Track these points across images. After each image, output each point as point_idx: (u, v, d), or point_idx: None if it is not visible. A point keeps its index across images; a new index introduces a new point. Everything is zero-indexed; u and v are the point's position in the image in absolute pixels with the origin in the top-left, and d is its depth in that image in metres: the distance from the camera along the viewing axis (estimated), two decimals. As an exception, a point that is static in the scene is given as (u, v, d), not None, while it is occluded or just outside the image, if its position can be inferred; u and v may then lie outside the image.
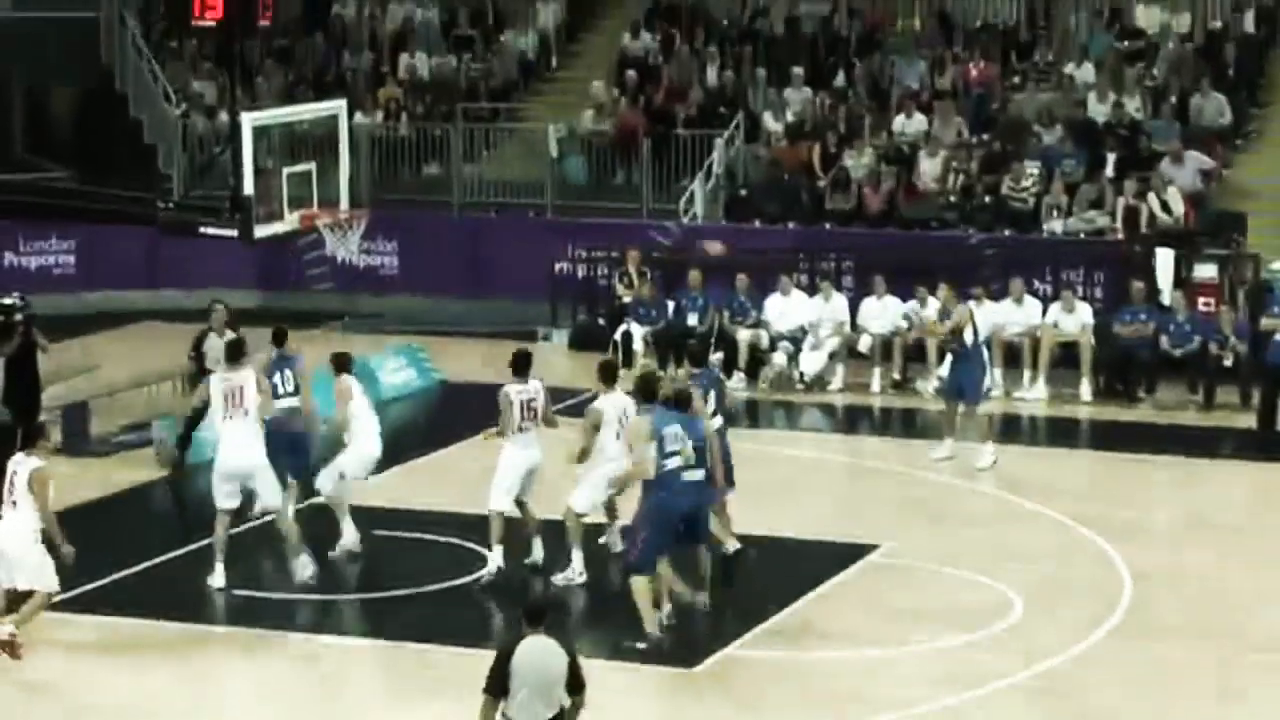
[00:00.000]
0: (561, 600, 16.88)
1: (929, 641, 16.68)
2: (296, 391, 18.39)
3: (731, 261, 28.26)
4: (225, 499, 17.89)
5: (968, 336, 22.10)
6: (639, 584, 16.30)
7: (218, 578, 17.83)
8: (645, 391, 16.82)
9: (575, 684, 11.57)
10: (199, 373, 21.87)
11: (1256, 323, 24.85)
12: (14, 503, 15.93)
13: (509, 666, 11.42)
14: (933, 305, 24.93)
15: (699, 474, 16.24)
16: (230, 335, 21.76)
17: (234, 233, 24.32)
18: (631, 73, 33.28)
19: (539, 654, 11.46)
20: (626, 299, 28.00)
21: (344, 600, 17.95)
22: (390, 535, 19.16)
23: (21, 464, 16.04)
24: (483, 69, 34.62)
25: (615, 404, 17.47)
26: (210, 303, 22.74)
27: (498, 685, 11.47)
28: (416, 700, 15.52)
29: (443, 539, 19.20)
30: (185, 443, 22.01)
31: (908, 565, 18.82)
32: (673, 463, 16.07)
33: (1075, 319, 26.01)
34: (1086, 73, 31.44)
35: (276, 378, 18.37)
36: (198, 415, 21.43)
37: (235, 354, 18.21)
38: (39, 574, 15.97)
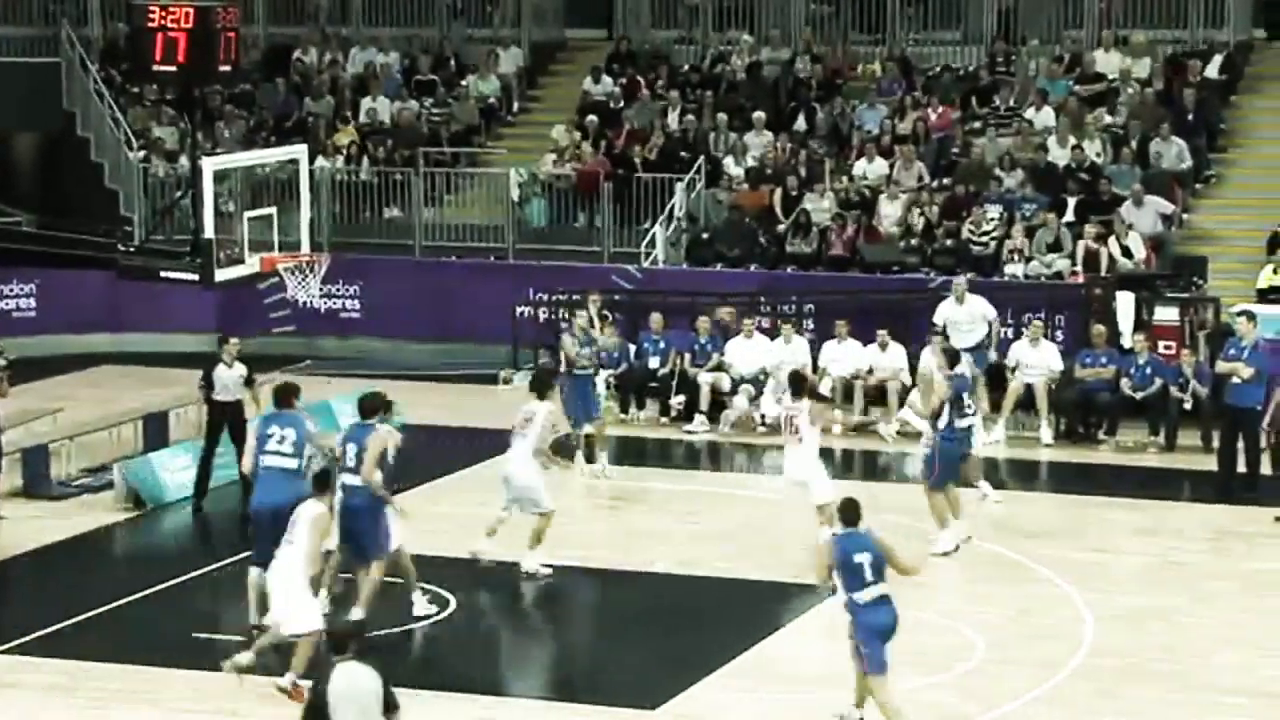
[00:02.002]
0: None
1: (890, 684, 16.71)
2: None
3: (694, 305, 28.31)
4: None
5: (942, 419, 20.65)
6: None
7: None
8: None
9: (389, 705, 11.90)
10: (208, 402, 22.35)
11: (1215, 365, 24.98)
12: None
13: (325, 697, 11.76)
14: (896, 352, 25.26)
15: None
16: (240, 368, 22.00)
17: (195, 276, 24.38)
18: (593, 117, 33.40)
19: (352, 679, 11.82)
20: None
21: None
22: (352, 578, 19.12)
23: None
24: (444, 114, 34.69)
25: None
26: (220, 337, 23.07)
27: (316, 716, 11.81)
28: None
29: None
30: (204, 484, 22.23)
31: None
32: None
33: (1039, 354, 26.16)
34: (1046, 117, 31.64)
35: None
36: (211, 446, 21.93)
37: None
38: None
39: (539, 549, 19.55)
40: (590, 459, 24.08)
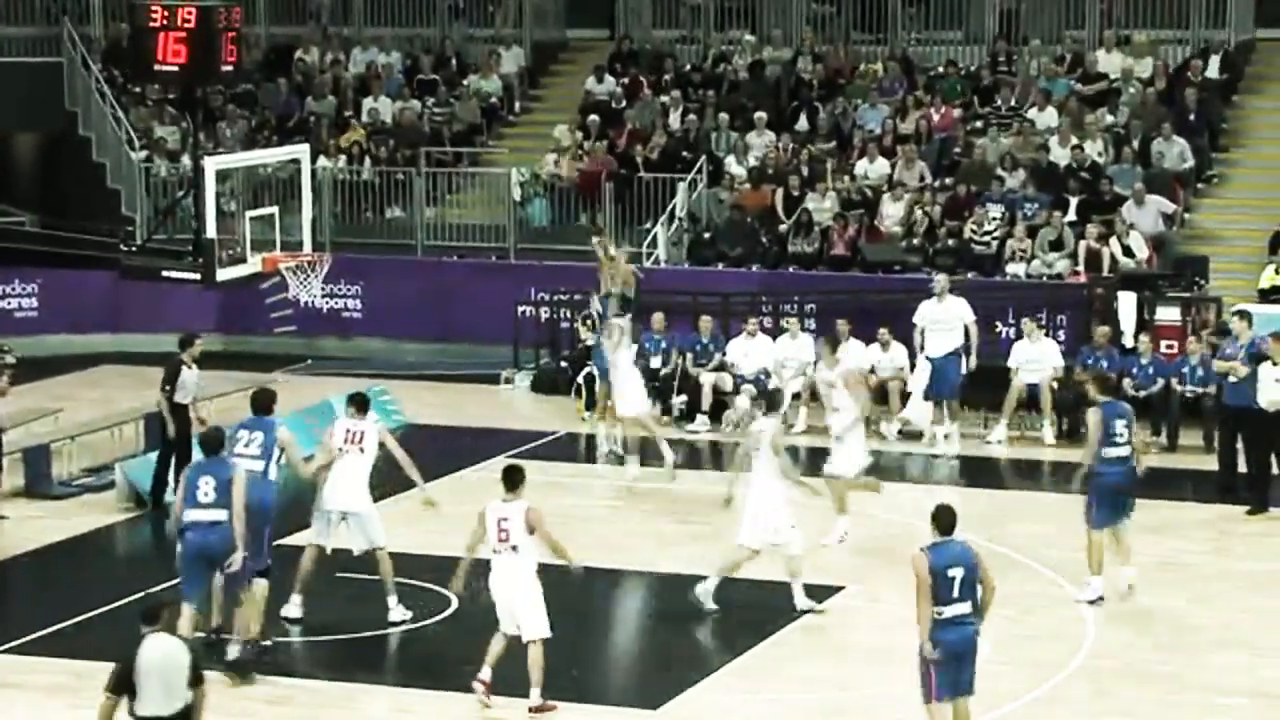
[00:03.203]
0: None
1: (891, 684, 16.72)
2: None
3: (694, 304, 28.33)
4: (317, 536, 18.29)
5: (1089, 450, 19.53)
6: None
7: (293, 608, 18.19)
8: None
9: (196, 678, 12.55)
10: (170, 405, 22.11)
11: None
12: None
13: (134, 665, 12.40)
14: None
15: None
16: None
17: (196, 276, 24.35)
18: (594, 117, 33.41)
19: (161, 652, 12.47)
20: (589, 341, 28.06)
21: (313, 643, 17.90)
22: (356, 578, 19.14)
23: None
24: (446, 114, 34.70)
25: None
26: (182, 339, 22.78)
27: (121, 684, 12.42)
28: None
29: (410, 581, 19.19)
30: (162, 483, 22.02)
31: (871, 607, 18.90)
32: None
33: (1040, 350, 26.20)
34: (1048, 117, 31.64)
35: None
36: (169, 451, 21.62)
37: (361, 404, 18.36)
38: None
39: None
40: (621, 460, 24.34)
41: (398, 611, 18.34)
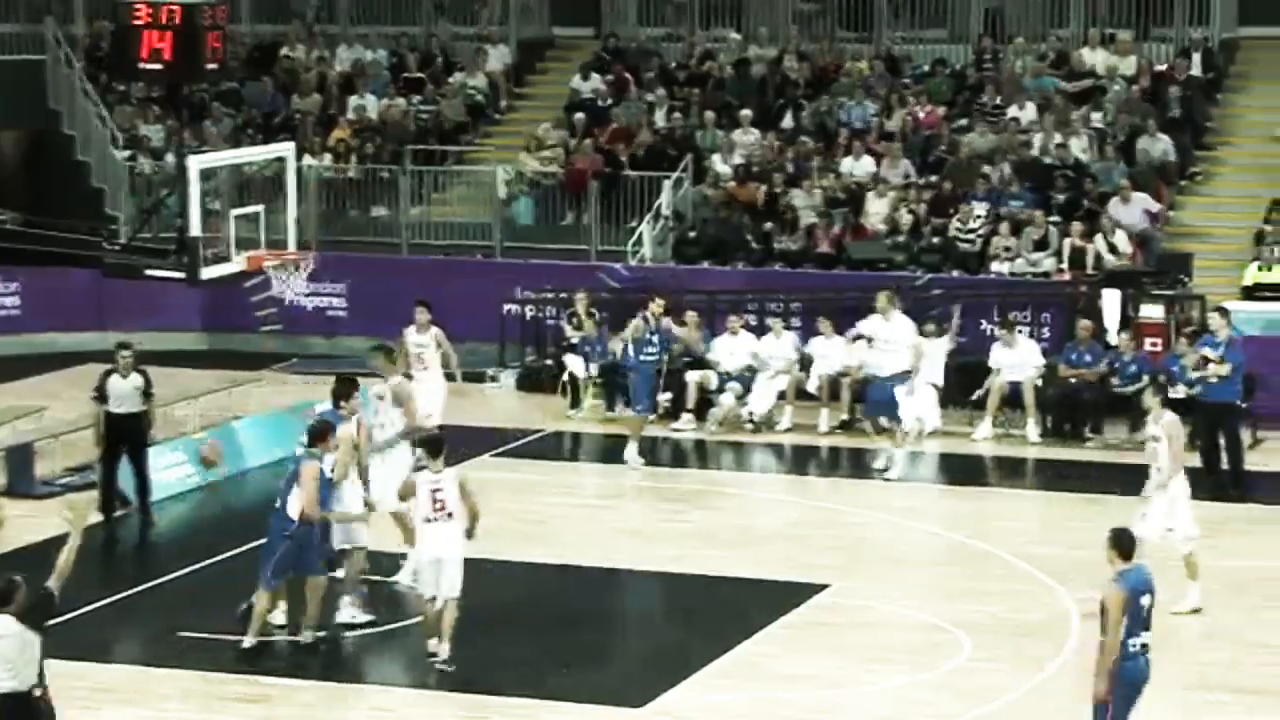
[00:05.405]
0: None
1: (877, 682, 16.71)
2: None
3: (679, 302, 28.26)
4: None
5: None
6: None
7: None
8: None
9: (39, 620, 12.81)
10: (104, 413, 21.78)
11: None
12: None
13: None
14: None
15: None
16: (137, 378, 21.67)
17: (180, 275, 24.28)
18: (580, 115, 33.37)
19: (6, 631, 12.63)
20: (574, 339, 28.01)
21: (292, 641, 17.81)
22: (336, 577, 19.06)
23: None
24: (431, 111, 34.64)
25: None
26: (116, 345, 22.42)
27: None
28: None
29: (390, 579, 19.16)
30: (109, 503, 21.85)
31: (856, 605, 18.84)
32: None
33: (1018, 355, 26.14)
34: (1032, 114, 31.63)
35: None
36: (109, 470, 21.65)
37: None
38: None
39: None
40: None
41: (346, 613, 18.09)
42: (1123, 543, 13.48)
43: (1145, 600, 13.28)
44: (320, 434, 17.42)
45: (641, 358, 24.62)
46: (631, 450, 24.44)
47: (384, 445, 18.78)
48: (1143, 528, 17.29)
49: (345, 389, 18.19)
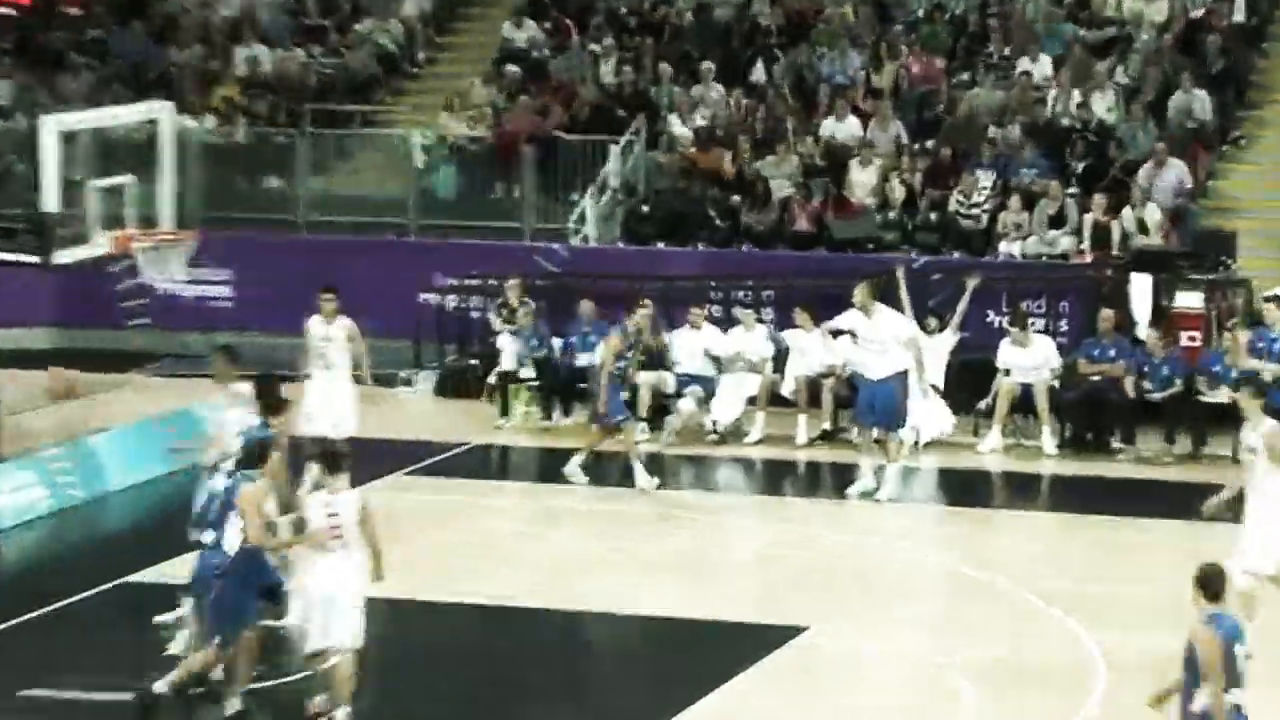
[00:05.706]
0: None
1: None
2: None
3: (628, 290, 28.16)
4: None
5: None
6: None
7: None
8: None
9: None
10: None
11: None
12: None
13: None
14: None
15: None
16: None
17: (32, 257, 24.33)
18: (513, 68, 33.29)
19: None
20: (505, 333, 27.72)
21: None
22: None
23: None
24: (336, 65, 34.59)
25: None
26: None
27: None
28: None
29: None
30: None
31: (840, 649, 18.79)
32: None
33: (1031, 355, 26.04)
34: (1046, 67, 31.63)
35: None
36: None
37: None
38: None
39: None
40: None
41: None
42: (1212, 582, 13.19)
43: (1240, 650, 13.00)
44: (260, 454, 17.19)
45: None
46: (574, 464, 24.21)
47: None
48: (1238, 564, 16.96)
49: (277, 399, 18.09)
